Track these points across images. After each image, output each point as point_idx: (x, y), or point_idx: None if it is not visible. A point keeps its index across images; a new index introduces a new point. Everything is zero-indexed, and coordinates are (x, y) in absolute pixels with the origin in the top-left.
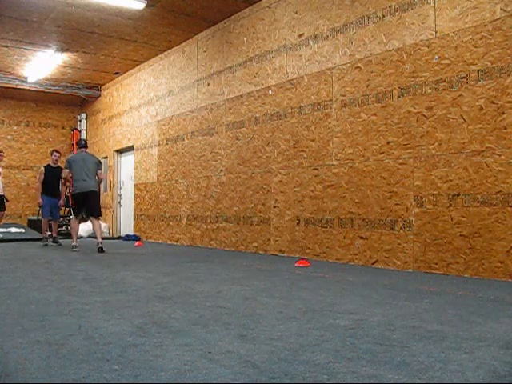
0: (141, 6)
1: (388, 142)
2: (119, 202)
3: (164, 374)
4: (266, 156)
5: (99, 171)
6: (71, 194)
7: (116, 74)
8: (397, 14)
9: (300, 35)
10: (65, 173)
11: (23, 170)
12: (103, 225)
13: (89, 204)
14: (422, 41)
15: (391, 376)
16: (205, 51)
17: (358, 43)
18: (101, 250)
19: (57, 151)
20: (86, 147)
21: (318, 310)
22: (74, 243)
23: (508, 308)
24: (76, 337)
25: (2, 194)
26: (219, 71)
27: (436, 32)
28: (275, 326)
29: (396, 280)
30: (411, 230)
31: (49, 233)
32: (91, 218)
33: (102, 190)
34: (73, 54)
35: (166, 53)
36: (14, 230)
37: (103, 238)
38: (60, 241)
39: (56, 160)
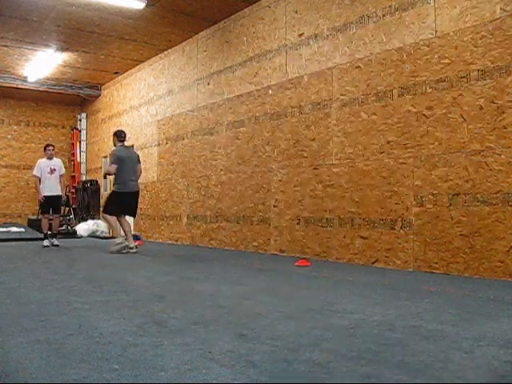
0: (141, 5)
1: (388, 142)
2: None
3: (164, 373)
4: (265, 155)
5: (139, 165)
6: (115, 191)
7: (116, 73)
8: (397, 13)
9: (300, 35)
10: (113, 168)
11: (23, 169)
12: (103, 225)
13: (130, 205)
14: (422, 40)
15: (391, 375)
16: (205, 51)
17: (358, 43)
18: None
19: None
20: (125, 139)
21: (317, 310)
22: (129, 244)
23: (508, 307)
24: (76, 336)
25: (57, 194)
26: (219, 71)
27: (436, 31)
28: (275, 325)
29: (396, 279)
30: (411, 229)
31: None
32: (127, 217)
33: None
34: (73, 54)
35: (166, 52)
36: (14, 229)
37: (104, 238)
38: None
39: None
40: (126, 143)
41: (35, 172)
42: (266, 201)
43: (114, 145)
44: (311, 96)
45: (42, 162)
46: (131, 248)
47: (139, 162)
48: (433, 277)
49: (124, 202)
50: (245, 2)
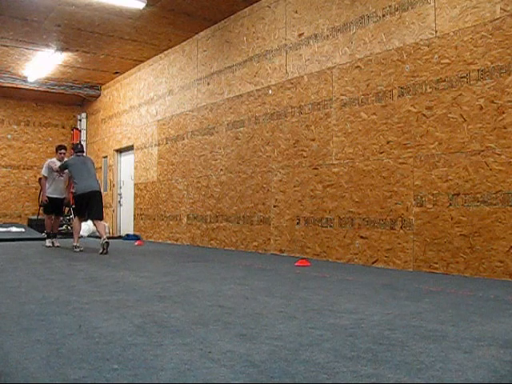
0: (141, 5)
1: (388, 142)
2: (119, 202)
3: (164, 373)
4: (266, 155)
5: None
6: (73, 195)
7: (116, 73)
8: (397, 13)
9: (300, 34)
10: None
11: (23, 169)
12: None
13: (91, 206)
14: (422, 40)
15: (391, 375)
16: (205, 50)
17: (358, 43)
18: (107, 244)
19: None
20: (82, 152)
21: (317, 310)
22: (75, 243)
23: (508, 307)
24: (76, 336)
25: (62, 196)
26: (219, 70)
27: (436, 31)
28: (275, 325)
29: (396, 279)
30: (411, 229)
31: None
32: (94, 220)
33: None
34: (73, 54)
35: (166, 52)
36: (14, 229)
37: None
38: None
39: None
40: (83, 154)
41: (44, 172)
42: (266, 201)
43: None
44: (311, 96)
45: (52, 162)
46: (76, 247)
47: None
48: (433, 277)
49: (82, 203)
50: (245, 1)
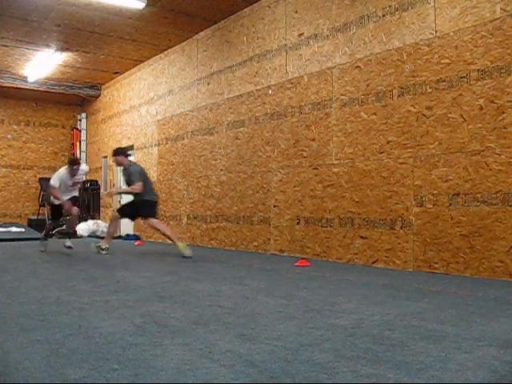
0: (141, 5)
1: (388, 142)
2: (119, 202)
3: (164, 373)
4: (265, 155)
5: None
6: (149, 200)
7: (116, 73)
8: (397, 13)
9: (300, 34)
10: (140, 186)
11: (23, 169)
12: (103, 224)
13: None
14: (422, 40)
15: (391, 375)
16: (205, 50)
17: (358, 42)
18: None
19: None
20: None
21: (317, 310)
22: (106, 245)
23: (508, 308)
24: (76, 336)
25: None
26: (219, 71)
27: (436, 31)
28: (275, 325)
29: (396, 279)
30: (411, 229)
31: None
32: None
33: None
34: (73, 54)
35: (166, 52)
36: (14, 229)
37: (103, 238)
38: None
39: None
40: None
41: (54, 183)
42: (266, 201)
43: (121, 163)
44: (311, 96)
45: (64, 175)
46: (104, 249)
47: None
48: (433, 277)
49: (153, 208)
50: (245, 1)
